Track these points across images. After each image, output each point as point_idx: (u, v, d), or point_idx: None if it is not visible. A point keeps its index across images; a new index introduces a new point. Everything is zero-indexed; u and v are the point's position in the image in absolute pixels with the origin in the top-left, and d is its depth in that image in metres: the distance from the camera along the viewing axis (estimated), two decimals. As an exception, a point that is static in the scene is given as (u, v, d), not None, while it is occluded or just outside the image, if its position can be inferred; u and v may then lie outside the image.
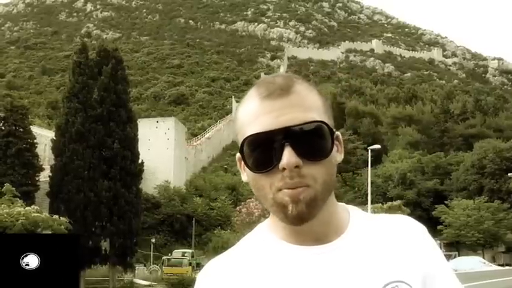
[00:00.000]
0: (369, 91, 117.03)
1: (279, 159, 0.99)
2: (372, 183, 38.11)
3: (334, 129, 1.05)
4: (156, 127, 67.58)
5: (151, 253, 47.19)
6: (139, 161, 36.06)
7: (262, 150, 1.01)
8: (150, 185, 54.69)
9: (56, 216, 20.58)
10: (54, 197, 33.52)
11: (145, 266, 44.88)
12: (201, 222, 57.04)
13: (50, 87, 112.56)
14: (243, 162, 1.07)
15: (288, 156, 0.98)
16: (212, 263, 1.13)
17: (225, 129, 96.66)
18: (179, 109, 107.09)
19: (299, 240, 1.08)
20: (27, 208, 19.27)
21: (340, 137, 1.11)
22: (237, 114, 1.09)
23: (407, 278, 1.08)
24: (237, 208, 36.22)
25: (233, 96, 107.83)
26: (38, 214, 19.33)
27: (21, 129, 39.51)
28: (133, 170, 35.05)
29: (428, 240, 1.16)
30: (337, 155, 1.09)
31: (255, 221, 31.57)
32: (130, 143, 35.25)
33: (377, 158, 62.85)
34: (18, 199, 20.34)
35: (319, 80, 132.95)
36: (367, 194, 37.95)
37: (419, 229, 1.16)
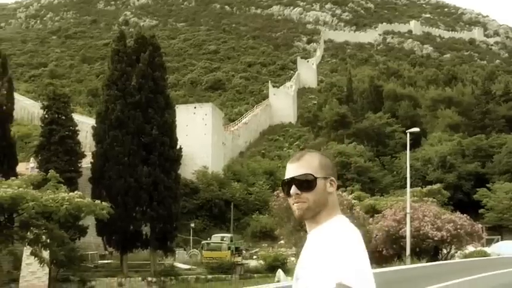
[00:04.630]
0: (407, 73, 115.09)
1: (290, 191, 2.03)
2: (410, 166, 37.58)
3: (320, 177, 1.99)
4: (194, 113, 68.07)
5: (191, 237, 47.83)
6: (178, 147, 36.46)
7: (285, 187, 2.05)
8: (188, 170, 55.29)
9: (98, 201, 21.03)
10: (96, 182, 34.27)
11: (185, 250, 45.52)
12: (239, 207, 57.46)
13: (90, 75, 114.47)
14: None
15: (293, 189, 2.00)
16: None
17: (262, 114, 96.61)
18: (216, 95, 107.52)
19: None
20: (70, 194, 19.73)
21: (334, 179, 2.03)
22: None
23: (311, 265, 1.92)
24: (275, 193, 36.22)
25: (270, 81, 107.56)
26: (81, 199, 19.79)
27: (64, 117, 40.33)
28: (172, 156, 35.46)
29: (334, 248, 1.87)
30: (329, 188, 2.01)
31: (293, 206, 31.64)
32: (168, 129, 35.66)
33: (416, 141, 61.99)
34: (62, 185, 20.82)
35: (356, 63, 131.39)
36: (405, 178, 37.47)
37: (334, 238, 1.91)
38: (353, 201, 35.35)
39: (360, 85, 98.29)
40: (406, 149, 36.01)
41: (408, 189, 33.88)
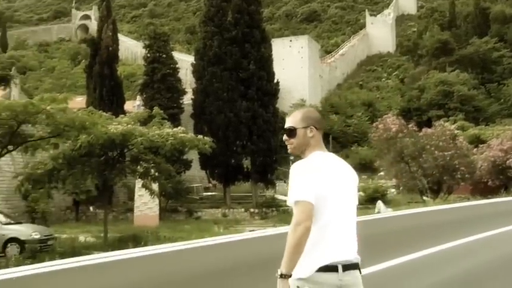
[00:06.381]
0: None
1: None
2: (520, 94, 35.51)
3: (300, 127, 2.81)
4: (290, 46, 67.62)
5: (290, 170, 48.54)
6: (275, 81, 36.63)
7: (283, 134, 2.89)
8: (286, 104, 55.61)
9: (200, 136, 21.72)
10: (198, 118, 35.44)
11: (285, 182, 46.40)
12: (338, 139, 57.33)
13: (187, 12, 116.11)
14: None
15: (284, 136, 2.86)
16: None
17: (359, 44, 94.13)
18: (311, 26, 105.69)
19: None
20: (174, 129, 20.40)
21: (314, 127, 2.81)
22: None
23: None
24: (374, 124, 35.76)
25: (366, 10, 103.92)
26: (185, 135, 20.44)
27: (164, 55, 41.51)
28: (270, 90, 35.74)
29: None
30: (309, 133, 2.80)
31: (393, 137, 31.12)
32: (265, 63, 35.79)
33: (527, 67, 58.08)
34: (166, 121, 21.63)
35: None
36: (514, 106, 35.58)
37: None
38: (456, 131, 34.21)
39: (464, 8, 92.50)
40: (515, 76, 33.90)
41: (517, 117, 32.23)
